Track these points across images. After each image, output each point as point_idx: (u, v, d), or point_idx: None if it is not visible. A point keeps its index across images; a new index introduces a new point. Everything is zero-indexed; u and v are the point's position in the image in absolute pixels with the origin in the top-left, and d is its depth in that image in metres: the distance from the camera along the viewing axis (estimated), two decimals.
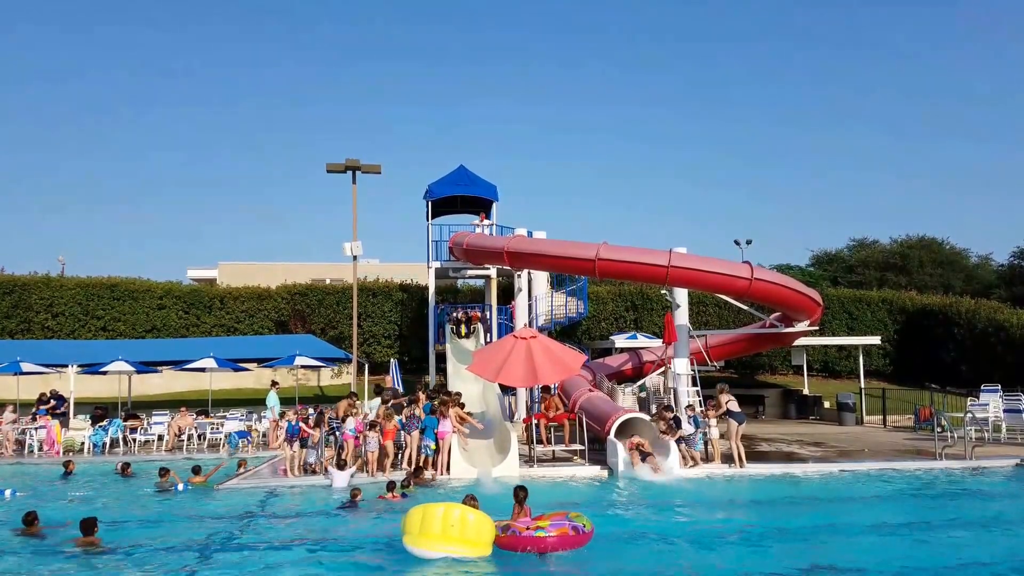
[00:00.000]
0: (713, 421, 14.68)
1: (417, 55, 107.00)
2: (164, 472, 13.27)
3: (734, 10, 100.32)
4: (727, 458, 14.46)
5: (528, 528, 8.24)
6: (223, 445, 18.97)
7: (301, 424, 13.83)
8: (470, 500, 8.90)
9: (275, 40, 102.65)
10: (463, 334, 23.75)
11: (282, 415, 17.12)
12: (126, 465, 14.99)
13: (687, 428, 14.47)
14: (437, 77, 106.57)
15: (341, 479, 13.07)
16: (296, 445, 13.82)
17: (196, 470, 13.64)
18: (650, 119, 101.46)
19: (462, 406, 15.88)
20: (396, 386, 19.89)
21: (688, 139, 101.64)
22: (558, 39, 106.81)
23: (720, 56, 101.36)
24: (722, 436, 14.83)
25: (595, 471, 13.99)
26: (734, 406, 14.84)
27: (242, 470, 14.30)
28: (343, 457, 13.90)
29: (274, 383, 20.40)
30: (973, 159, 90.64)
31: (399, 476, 13.05)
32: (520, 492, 9.32)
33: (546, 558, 8.04)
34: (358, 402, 17.28)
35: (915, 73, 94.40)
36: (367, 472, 13.74)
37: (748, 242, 40.04)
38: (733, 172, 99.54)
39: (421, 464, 13.83)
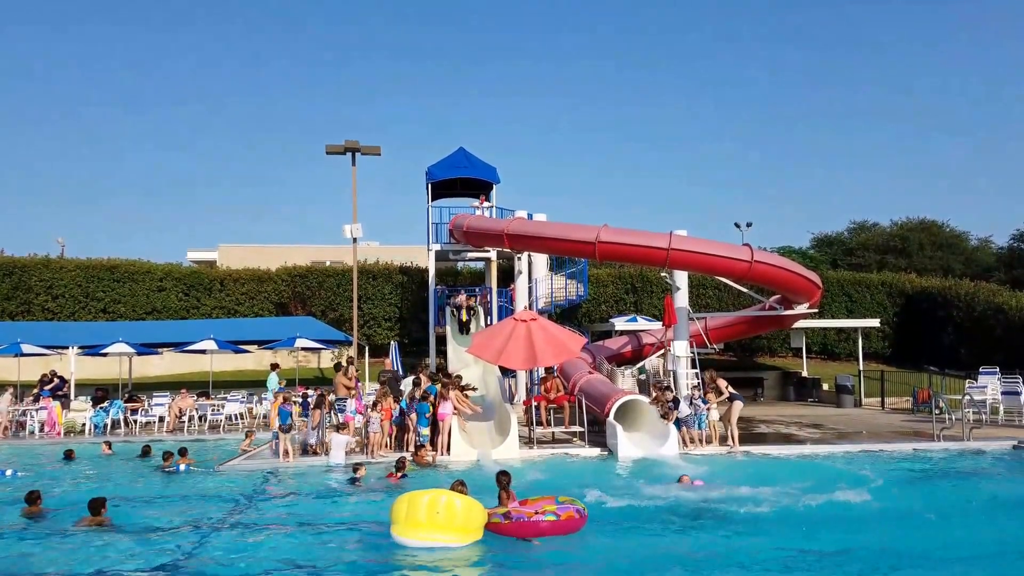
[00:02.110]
0: (713, 404, 14.78)
1: (419, 47, 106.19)
2: (167, 455, 13.41)
3: (733, 5, 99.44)
4: (721, 439, 14.73)
5: (538, 512, 8.06)
6: (223, 427, 19.09)
7: (291, 409, 13.88)
8: (459, 486, 8.63)
9: (277, 28, 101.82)
10: (464, 320, 23.51)
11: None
12: (147, 448, 14.95)
13: (685, 410, 14.55)
14: (440, 67, 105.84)
15: (339, 448, 13.17)
16: (292, 431, 13.95)
17: (183, 452, 13.69)
18: (651, 107, 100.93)
19: (463, 388, 15.92)
20: (396, 368, 19.94)
21: (689, 122, 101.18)
22: (555, 36, 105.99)
23: (720, 44, 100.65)
24: (720, 419, 14.93)
25: (595, 453, 14.07)
26: (732, 390, 14.99)
27: (250, 440, 14.54)
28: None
29: (274, 365, 20.44)
30: (974, 142, 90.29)
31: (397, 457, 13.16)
32: (503, 478, 8.89)
33: (532, 542, 7.95)
34: (352, 370, 17.25)
35: (915, 59, 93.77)
36: (367, 454, 13.81)
37: (748, 224, 39.87)
38: (734, 155, 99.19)
39: (417, 446, 13.91)
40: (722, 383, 14.92)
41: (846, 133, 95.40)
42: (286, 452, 13.59)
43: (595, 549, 8.10)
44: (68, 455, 14.60)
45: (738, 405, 14.67)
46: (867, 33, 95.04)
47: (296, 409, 14.63)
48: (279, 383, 19.31)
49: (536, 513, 8.07)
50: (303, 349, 23.42)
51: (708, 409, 14.79)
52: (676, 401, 14.58)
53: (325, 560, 7.67)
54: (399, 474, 11.78)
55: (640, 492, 10.72)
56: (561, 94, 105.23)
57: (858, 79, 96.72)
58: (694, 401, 14.89)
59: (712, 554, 7.83)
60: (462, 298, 24.28)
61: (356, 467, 11.96)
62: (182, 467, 13.04)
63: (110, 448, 15.35)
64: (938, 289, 30.16)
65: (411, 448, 13.88)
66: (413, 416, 14.14)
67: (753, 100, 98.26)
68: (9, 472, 12.80)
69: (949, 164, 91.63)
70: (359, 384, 17.44)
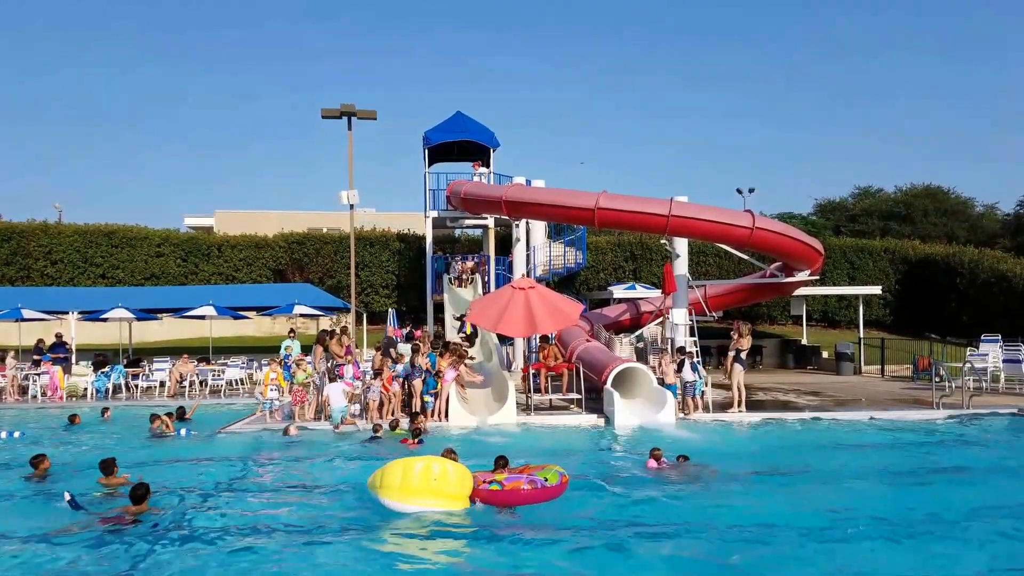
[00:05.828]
0: (731, 361, 14.88)
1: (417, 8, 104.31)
2: (154, 418, 13.42)
3: None
4: (719, 407, 14.75)
5: (484, 482, 8.00)
6: (224, 392, 19.17)
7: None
8: (449, 453, 8.71)
9: None
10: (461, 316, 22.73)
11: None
12: (182, 409, 14.87)
13: (689, 375, 14.51)
14: (438, 30, 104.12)
15: (338, 394, 13.33)
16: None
17: (179, 412, 14.07)
18: (652, 72, 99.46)
19: (462, 357, 15.86)
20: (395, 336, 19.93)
21: (690, 87, 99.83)
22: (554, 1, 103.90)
23: (723, 8, 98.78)
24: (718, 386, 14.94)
25: (592, 420, 14.09)
26: (743, 355, 14.96)
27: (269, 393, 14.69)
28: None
29: (292, 331, 20.45)
30: (981, 107, 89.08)
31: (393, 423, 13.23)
32: (500, 462, 8.69)
33: (512, 511, 7.93)
34: (347, 338, 17.13)
35: (920, 20, 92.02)
36: (366, 419, 13.85)
37: (751, 190, 39.66)
38: (736, 120, 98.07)
39: (417, 411, 13.93)
40: (744, 343, 14.90)
41: (851, 97, 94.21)
42: (290, 416, 13.74)
43: (584, 516, 7.99)
44: (72, 420, 14.46)
45: (738, 368, 14.67)
46: None
47: (301, 374, 14.67)
48: (286, 351, 19.19)
49: (484, 482, 8.00)
50: (301, 315, 23.39)
51: (737, 350, 14.89)
52: (681, 364, 14.54)
53: (321, 521, 7.69)
54: (415, 440, 11.81)
55: (636, 456, 10.72)
56: (560, 61, 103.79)
57: (863, 43, 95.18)
58: (694, 365, 14.87)
59: (695, 526, 7.72)
60: (462, 265, 24.08)
61: (376, 427, 12.54)
62: (183, 431, 13.08)
63: (109, 413, 15.32)
64: (941, 256, 29.95)
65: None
66: (416, 383, 14.15)
67: (756, 64, 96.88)
68: (17, 434, 12.93)
69: (956, 130, 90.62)
70: (354, 351, 17.37)
